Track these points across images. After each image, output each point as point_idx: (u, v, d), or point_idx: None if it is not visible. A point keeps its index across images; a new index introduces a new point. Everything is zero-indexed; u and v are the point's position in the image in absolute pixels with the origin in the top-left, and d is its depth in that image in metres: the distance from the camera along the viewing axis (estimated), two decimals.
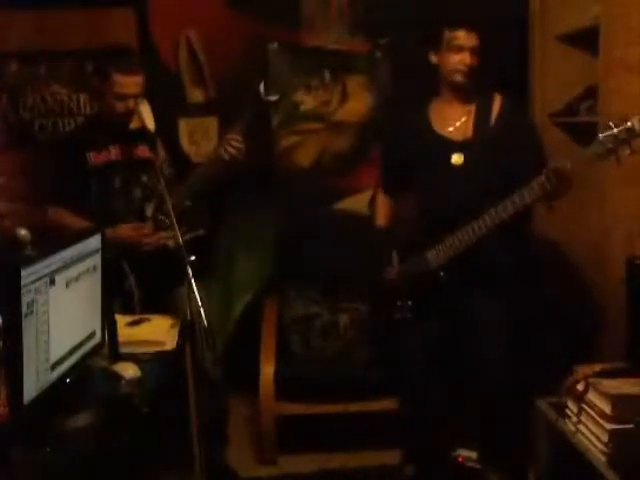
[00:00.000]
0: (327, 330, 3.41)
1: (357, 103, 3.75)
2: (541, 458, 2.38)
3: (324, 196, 3.78)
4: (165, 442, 2.53)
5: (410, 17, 3.58)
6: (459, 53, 2.57)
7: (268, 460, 3.14)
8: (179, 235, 2.15)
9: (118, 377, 2.03)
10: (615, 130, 2.16)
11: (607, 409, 2.00)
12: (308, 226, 3.73)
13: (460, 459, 2.85)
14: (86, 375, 2.05)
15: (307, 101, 3.72)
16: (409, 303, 2.67)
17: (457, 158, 2.63)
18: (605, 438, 1.99)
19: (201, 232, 2.78)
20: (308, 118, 3.74)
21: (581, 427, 2.13)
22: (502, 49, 3.36)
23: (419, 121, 2.74)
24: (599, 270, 2.91)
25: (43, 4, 3.48)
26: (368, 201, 3.63)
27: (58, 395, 1.81)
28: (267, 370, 3.12)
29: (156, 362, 2.19)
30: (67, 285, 1.87)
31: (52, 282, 1.76)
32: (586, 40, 3.12)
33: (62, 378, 1.85)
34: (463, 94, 2.66)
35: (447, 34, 2.58)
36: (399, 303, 2.68)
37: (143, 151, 2.79)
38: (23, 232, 2.04)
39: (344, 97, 3.74)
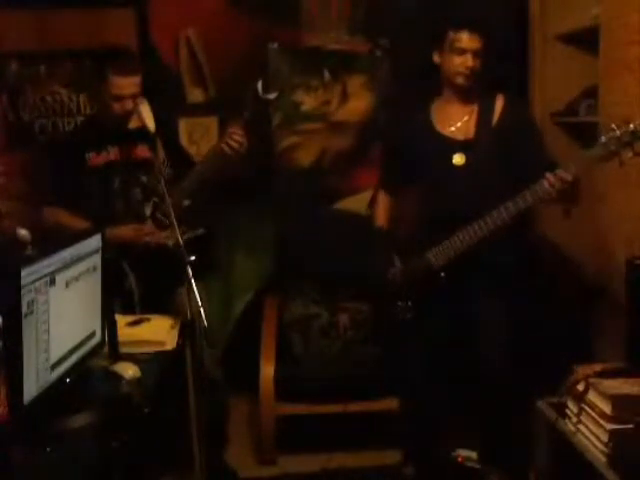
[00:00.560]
0: (327, 330, 3.41)
1: (357, 103, 3.75)
2: (541, 458, 2.38)
3: (324, 196, 3.78)
4: (165, 442, 2.53)
5: (410, 17, 3.58)
6: (461, 55, 2.57)
7: (268, 460, 3.14)
8: (179, 235, 2.15)
9: (118, 377, 2.03)
10: (618, 132, 2.16)
11: (607, 409, 2.00)
12: (308, 226, 3.73)
13: (460, 459, 2.85)
14: (86, 375, 2.05)
15: (307, 101, 3.72)
16: (409, 303, 2.67)
17: (459, 158, 2.63)
18: (605, 438, 1.99)
19: (201, 231, 2.78)
20: (308, 118, 3.75)
21: (581, 427, 2.13)
22: (502, 49, 3.37)
23: (421, 121, 2.74)
24: (599, 270, 2.91)
25: (43, 4, 3.48)
26: (368, 201, 3.64)
27: (58, 395, 1.81)
28: (267, 370, 3.12)
29: (156, 362, 2.19)
30: (67, 285, 1.87)
31: (52, 282, 1.76)
32: (586, 40, 3.13)
33: (62, 378, 1.85)
34: (465, 95, 2.66)
35: (450, 35, 2.58)
36: (400, 303, 2.68)
37: (142, 151, 2.79)
38: (23, 232, 2.04)
39: (344, 97, 3.74)
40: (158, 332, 2.37)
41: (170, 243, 2.57)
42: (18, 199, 3.55)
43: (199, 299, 2.00)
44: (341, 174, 3.79)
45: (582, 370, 2.21)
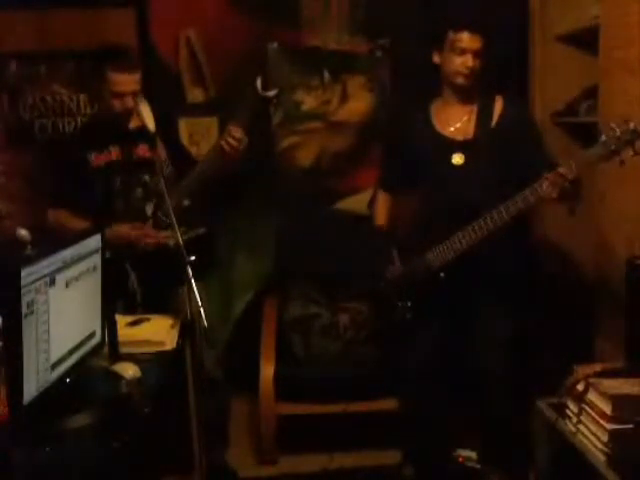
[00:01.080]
0: (327, 330, 3.41)
1: (357, 103, 3.75)
2: (541, 458, 2.38)
3: (324, 196, 3.78)
4: (165, 442, 2.53)
5: (410, 17, 3.58)
6: (462, 55, 2.57)
7: (268, 460, 3.14)
8: (179, 235, 2.15)
9: (118, 377, 2.02)
10: (618, 131, 2.16)
11: (607, 409, 2.00)
12: (308, 226, 3.73)
13: (460, 459, 2.86)
14: (86, 375, 2.05)
15: (307, 101, 3.73)
16: (409, 304, 2.67)
17: (458, 158, 2.63)
18: (605, 438, 1.99)
19: (201, 231, 2.78)
20: (308, 118, 3.75)
21: (581, 427, 2.13)
22: (502, 49, 3.37)
23: (421, 121, 2.74)
24: (599, 270, 2.91)
25: (43, 4, 3.48)
26: (368, 201, 3.63)
27: (58, 395, 1.80)
28: (267, 370, 3.12)
29: (156, 362, 2.19)
30: (67, 285, 1.87)
31: (52, 282, 1.76)
32: (586, 40, 3.13)
33: (62, 378, 1.85)
34: (465, 95, 2.66)
35: (451, 35, 2.58)
36: (399, 304, 2.68)
37: (143, 151, 2.79)
38: (23, 232, 2.04)
39: (344, 97, 3.74)
40: (158, 332, 2.37)
41: (171, 243, 2.57)
42: (18, 199, 3.56)
43: (199, 299, 2.00)
44: (341, 174, 3.79)
45: (582, 370, 2.22)
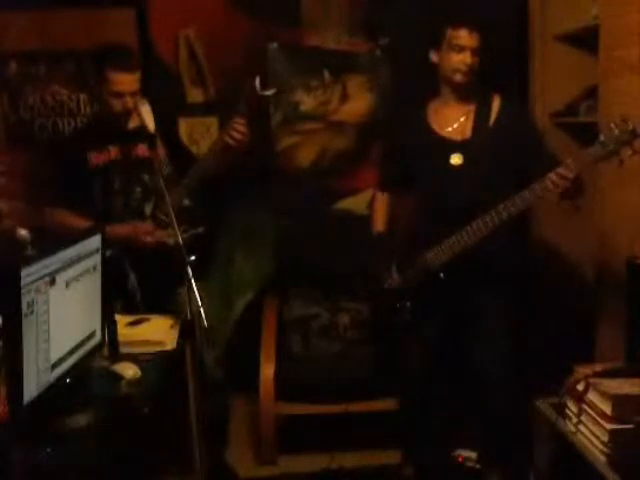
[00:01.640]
0: (327, 330, 3.41)
1: (357, 103, 3.75)
2: (541, 458, 2.38)
3: (324, 196, 3.78)
4: (165, 442, 2.53)
5: (410, 17, 3.58)
6: (460, 53, 2.56)
7: (268, 460, 3.14)
8: (179, 234, 2.15)
9: (118, 377, 2.03)
10: (616, 131, 2.16)
11: (607, 409, 2.00)
12: (308, 226, 3.73)
13: (460, 459, 2.86)
14: (86, 375, 2.05)
15: (307, 101, 3.72)
16: (408, 304, 2.67)
17: (456, 158, 2.63)
18: (605, 438, 1.99)
19: (201, 230, 2.78)
20: (308, 118, 3.74)
21: (581, 427, 2.13)
22: (502, 49, 3.37)
23: (418, 121, 2.74)
24: (599, 270, 2.91)
25: (43, 4, 3.48)
26: (368, 201, 3.63)
27: (58, 395, 1.81)
28: (267, 370, 3.12)
29: (156, 362, 2.19)
30: (67, 285, 1.87)
31: (52, 282, 1.76)
32: (586, 40, 3.12)
33: (62, 378, 1.85)
34: (462, 94, 2.66)
35: (449, 33, 2.58)
36: (398, 305, 2.68)
37: (142, 150, 2.79)
38: (23, 232, 2.05)
39: (344, 97, 3.74)
40: (158, 332, 2.37)
41: (170, 242, 2.57)
42: (18, 199, 3.55)
43: (199, 299, 2.00)
44: (341, 174, 3.79)
45: (582, 370, 2.22)
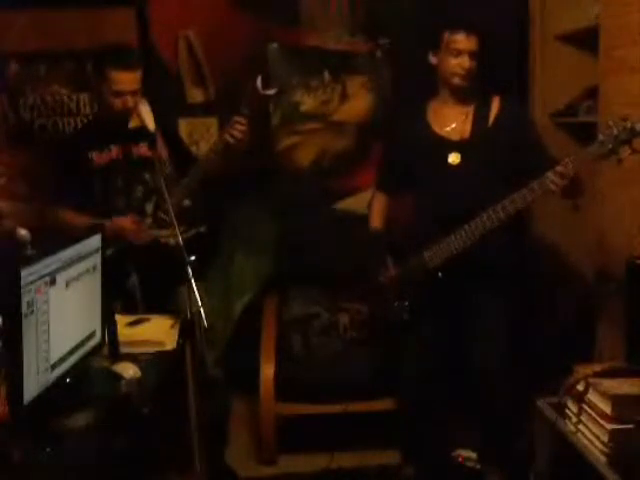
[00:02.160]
0: (327, 330, 3.41)
1: (357, 103, 3.75)
2: (541, 458, 2.38)
3: (324, 196, 3.78)
4: (165, 442, 2.53)
5: (410, 17, 3.58)
6: (458, 57, 2.57)
7: (268, 460, 3.14)
8: (179, 234, 2.15)
9: (118, 377, 2.03)
10: (615, 130, 2.16)
11: (607, 409, 2.00)
12: (308, 226, 3.73)
13: (460, 459, 2.85)
14: (86, 375, 2.05)
15: (307, 101, 3.72)
16: (406, 304, 2.67)
17: (454, 158, 2.63)
18: (605, 438, 1.99)
19: (202, 229, 2.78)
20: (308, 118, 3.74)
21: (581, 427, 2.13)
22: (502, 49, 3.37)
23: (417, 120, 2.74)
24: (599, 270, 2.91)
25: (43, 4, 3.48)
26: (368, 201, 3.63)
27: (58, 395, 1.81)
28: (267, 370, 3.12)
29: (156, 362, 2.19)
30: (67, 285, 1.87)
31: (52, 282, 1.76)
32: (586, 40, 3.12)
33: (62, 378, 1.85)
34: (461, 96, 2.66)
35: (446, 37, 2.59)
36: (396, 304, 2.68)
37: (143, 150, 2.79)
38: (23, 232, 2.04)
39: (344, 97, 3.74)
40: (158, 332, 2.37)
41: (171, 241, 2.58)
42: (18, 199, 3.55)
43: (199, 299, 2.00)
44: (341, 174, 3.79)
45: (582, 370, 2.21)
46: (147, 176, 2.85)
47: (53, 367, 1.80)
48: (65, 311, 1.86)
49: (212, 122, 3.70)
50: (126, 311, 2.56)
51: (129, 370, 2.05)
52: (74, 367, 1.93)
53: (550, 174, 2.29)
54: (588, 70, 3.22)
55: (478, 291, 2.62)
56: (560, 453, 2.28)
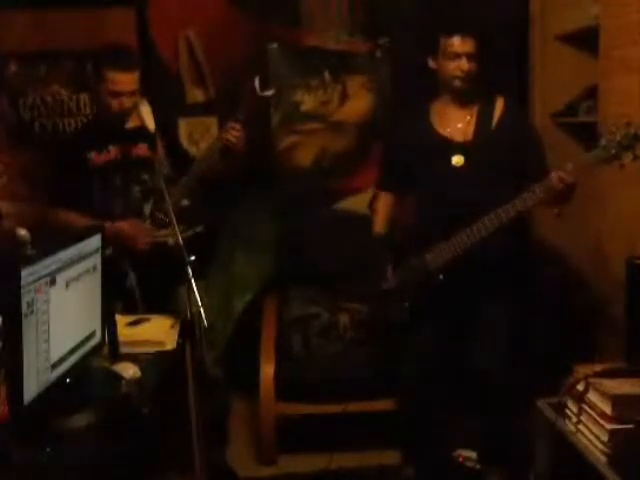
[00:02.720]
0: (327, 330, 3.41)
1: (357, 103, 3.75)
2: (541, 458, 2.38)
3: (324, 196, 3.78)
4: (165, 442, 2.53)
5: (410, 17, 3.58)
6: (455, 60, 2.57)
7: (268, 460, 3.14)
8: (179, 234, 2.15)
9: (118, 377, 2.03)
10: (618, 136, 2.15)
11: (607, 409, 2.00)
12: (308, 226, 3.73)
13: (460, 459, 2.85)
14: (86, 375, 2.05)
15: (307, 101, 3.72)
16: (406, 305, 2.67)
17: (457, 159, 2.63)
18: (605, 438, 1.99)
19: (200, 228, 2.78)
20: (308, 118, 3.74)
21: (581, 427, 2.13)
22: (502, 49, 3.37)
23: (421, 121, 2.74)
24: (599, 271, 2.91)
25: (43, 4, 3.48)
26: (368, 202, 3.63)
27: (58, 395, 1.81)
28: (267, 370, 3.12)
29: (156, 362, 2.19)
30: (67, 285, 1.87)
31: (52, 282, 1.76)
32: (586, 40, 3.13)
33: (62, 378, 1.85)
34: (464, 98, 2.66)
35: (442, 41, 2.59)
36: (396, 305, 2.68)
37: (142, 150, 2.79)
38: (23, 232, 2.04)
39: (344, 97, 3.74)
40: (158, 332, 2.37)
41: (170, 241, 2.57)
42: (18, 199, 3.55)
43: (199, 299, 2.00)
44: (341, 174, 3.79)
45: (582, 370, 2.21)
46: (145, 176, 2.84)
47: (53, 367, 1.79)
48: (65, 311, 1.86)
49: (212, 122, 3.70)
50: (126, 311, 2.56)
51: (129, 370, 2.05)
52: (74, 367, 1.93)
53: (551, 179, 2.29)
54: (588, 70, 3.22)
55: (479, 293, 2.62)
56: (560, 453, 2.28)
